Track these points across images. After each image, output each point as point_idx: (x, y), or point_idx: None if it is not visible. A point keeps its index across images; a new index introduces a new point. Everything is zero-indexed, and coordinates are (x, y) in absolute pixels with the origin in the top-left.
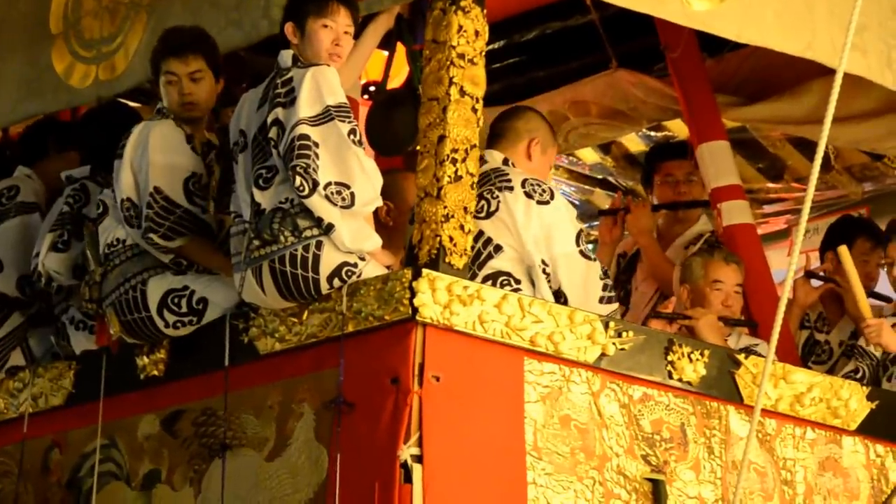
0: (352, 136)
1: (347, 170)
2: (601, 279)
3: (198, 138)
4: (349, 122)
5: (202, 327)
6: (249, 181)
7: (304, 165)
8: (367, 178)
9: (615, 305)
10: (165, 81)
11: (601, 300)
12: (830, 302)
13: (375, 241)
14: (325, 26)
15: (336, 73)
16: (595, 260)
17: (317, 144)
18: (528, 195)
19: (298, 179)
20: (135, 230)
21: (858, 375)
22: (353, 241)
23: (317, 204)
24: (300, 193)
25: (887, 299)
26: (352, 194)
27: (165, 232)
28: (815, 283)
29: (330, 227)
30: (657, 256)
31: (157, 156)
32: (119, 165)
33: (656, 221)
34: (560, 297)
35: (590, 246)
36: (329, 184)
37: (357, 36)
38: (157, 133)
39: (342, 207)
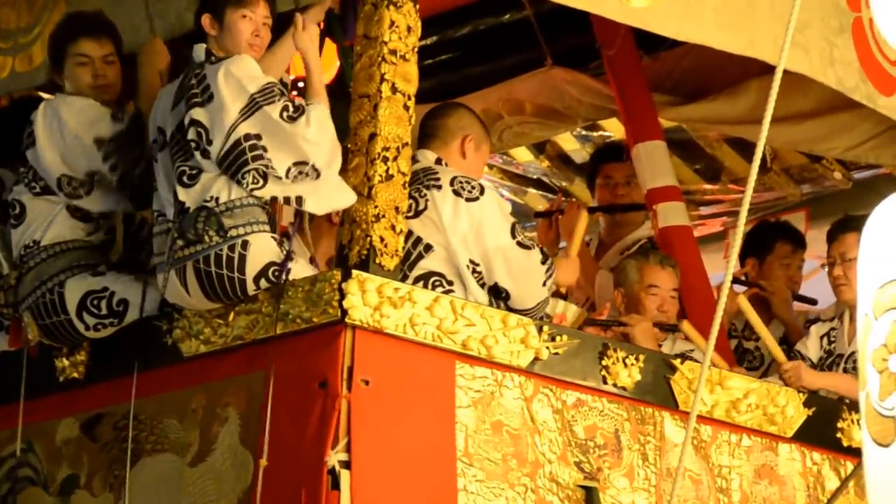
0: (284, 114)
1: (295, 149)
2: (542, 264)
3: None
4: (279, 101)
5: (124, 329)
6: (171, 179)
7: (261, 167)
8: (313, 147)
9: (554, 278)
10: (76, 63)
11: (544, 283)
12: (757, 308)
13: (349, 196)
14: (245, 16)
15: (251, 59)
16: (533, 247)
17: (259, 137)
18: (457, 193)
19: (252, 177)
20: (89, 196)
21: None
22: (327, 205)
23: (276, 190)
24: (255, 187)
25: (812, 301)
26: (313, 167)
27: (134, 157)
28: (739, 288)
29: (300, 200)
30: (584, 260)
31: (73, 122)
32: (35, 152)
33: (601, 228)
34: (500, 292)
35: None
36: (289, 169)
37: (284, 31)
38: (65, 107)
39: (313, 180)
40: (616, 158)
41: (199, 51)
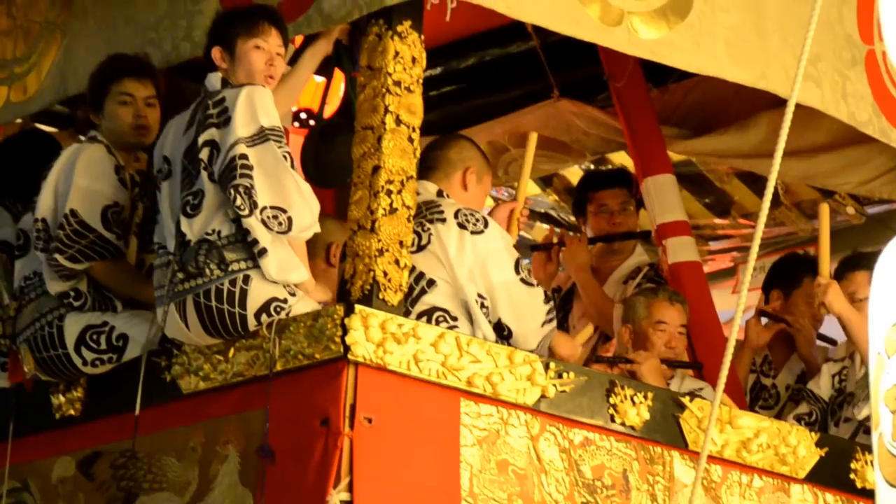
0: (286, 160)
1: (284, 193)
2: (544, 304)
3: (128, 170)
4: (283, 147)
5: (121, 365)
6: (175, 209)
7: (246, 186)
8: (304, 203)
9: (553, 324)
10: (119, 102)
11: (543, 324)
12: (777, 343)
13: (302, 274)
14: (258, 47)
15: (270, 94)
16: (536, 285)
17: (252, 167)
18: (462, 226)
19: (239, 199)
20: (43, 254)
21: (812, 419)
22: (280, 271)
23: (254, 225)
24: (240, 213)
25: (833, 342)
26: (289, 219)
27: (73, 254)
28: (763, 321)
29: (263, 252)
30: (596, 294)
31: (81, 179)
32: (42, 187)
33: (592, 256)
34: (502, 329)
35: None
36: (265, 208)
37: (293, 62)
38: (86, 157)
39: (278, 233)
40: (608, 185)
41: (215, 79)
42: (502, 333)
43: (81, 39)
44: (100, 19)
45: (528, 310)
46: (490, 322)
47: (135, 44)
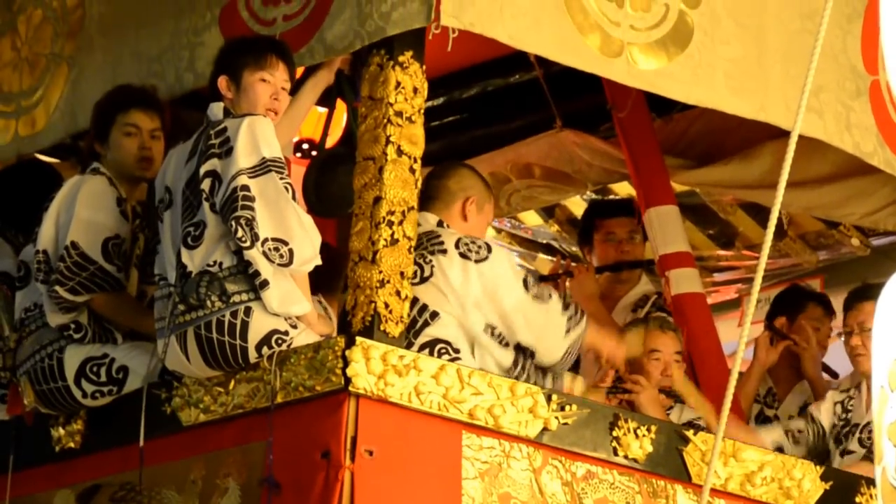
0: (288, 192)
1: (286, 225)
2: (563, 312)
3: (130, 202)
4: (285, 178)
5: (122, 397)
6: (177, 240)
7: (248, 217)
8: (306, 235)
9: (583, 324)
10: (123, 133)
11: (568, 331)
12: (781, 374)
13: (304, 306)
14: (264, 80)
15: (272, 124)
16: (550, 297)
17: (253, 199)
18: (464, 256)
19: (241, 231)
20: (43, 286)
21: (801, 436)
22: (282, 303)
23: (256, 257)
24: (242, 244)
25: (834, 374)
26: (290, 251)
27: (74, 286)
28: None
29: (265, 284)
30: (605, 323)
31: (82, 211)
32: (44, 218)
33: (601, 285)
34: (524, 350)
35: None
36: (266, 240)
37: (294, 92)
38: (88, 189)
39: (279, 265)
40: (616, 214)
41: (217, 109)
42: (525, 354)
43: (88, 72)
44: (106, 52)
45: (546, 325)
46: (508, 346)
47: (139, 76)
